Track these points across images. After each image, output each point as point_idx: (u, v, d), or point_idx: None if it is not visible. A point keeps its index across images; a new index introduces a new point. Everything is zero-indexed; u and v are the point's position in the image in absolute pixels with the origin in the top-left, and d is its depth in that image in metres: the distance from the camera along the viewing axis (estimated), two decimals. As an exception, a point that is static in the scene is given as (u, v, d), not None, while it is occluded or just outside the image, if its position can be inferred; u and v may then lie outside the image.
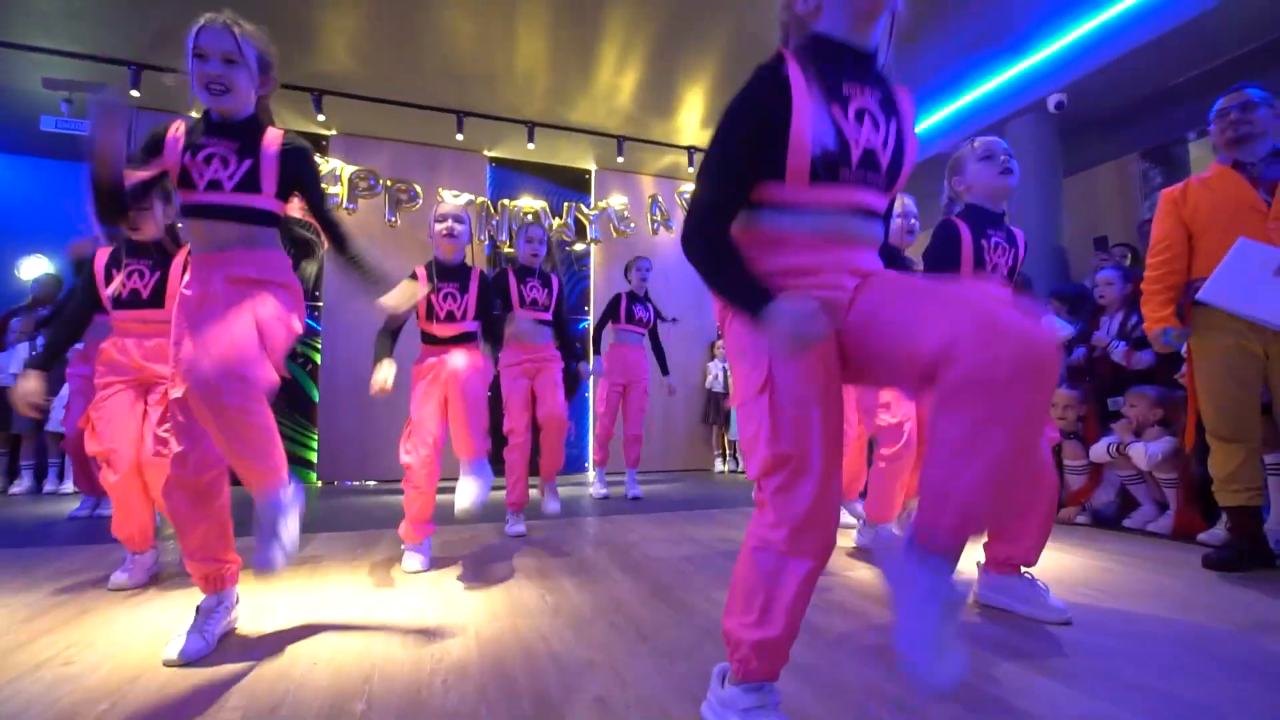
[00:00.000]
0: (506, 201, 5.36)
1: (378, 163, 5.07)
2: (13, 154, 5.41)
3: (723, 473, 5.78)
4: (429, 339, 2.29)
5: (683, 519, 3.17)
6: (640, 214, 5.82)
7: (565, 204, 5.54)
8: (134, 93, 4.16)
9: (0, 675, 1.27)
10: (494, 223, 5.26)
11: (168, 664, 1.31)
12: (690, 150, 5.41)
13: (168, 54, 4.00)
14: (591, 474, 5.48)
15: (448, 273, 2.28)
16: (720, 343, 5.88)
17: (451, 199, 5.12)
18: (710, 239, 0.93)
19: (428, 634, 1.51)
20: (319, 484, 4.86)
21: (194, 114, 1.53)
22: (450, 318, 2.25)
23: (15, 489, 4.47)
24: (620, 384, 4.01)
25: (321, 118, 4.61)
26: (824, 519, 0.90)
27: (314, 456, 4.92)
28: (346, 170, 4.88)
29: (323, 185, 1.57)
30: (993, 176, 1.74)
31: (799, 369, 0.90)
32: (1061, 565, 2.16)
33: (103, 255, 2.00)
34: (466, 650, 1.41)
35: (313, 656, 1.37)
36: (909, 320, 0.85)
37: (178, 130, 1.43)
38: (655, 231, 5.86)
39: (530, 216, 5.34)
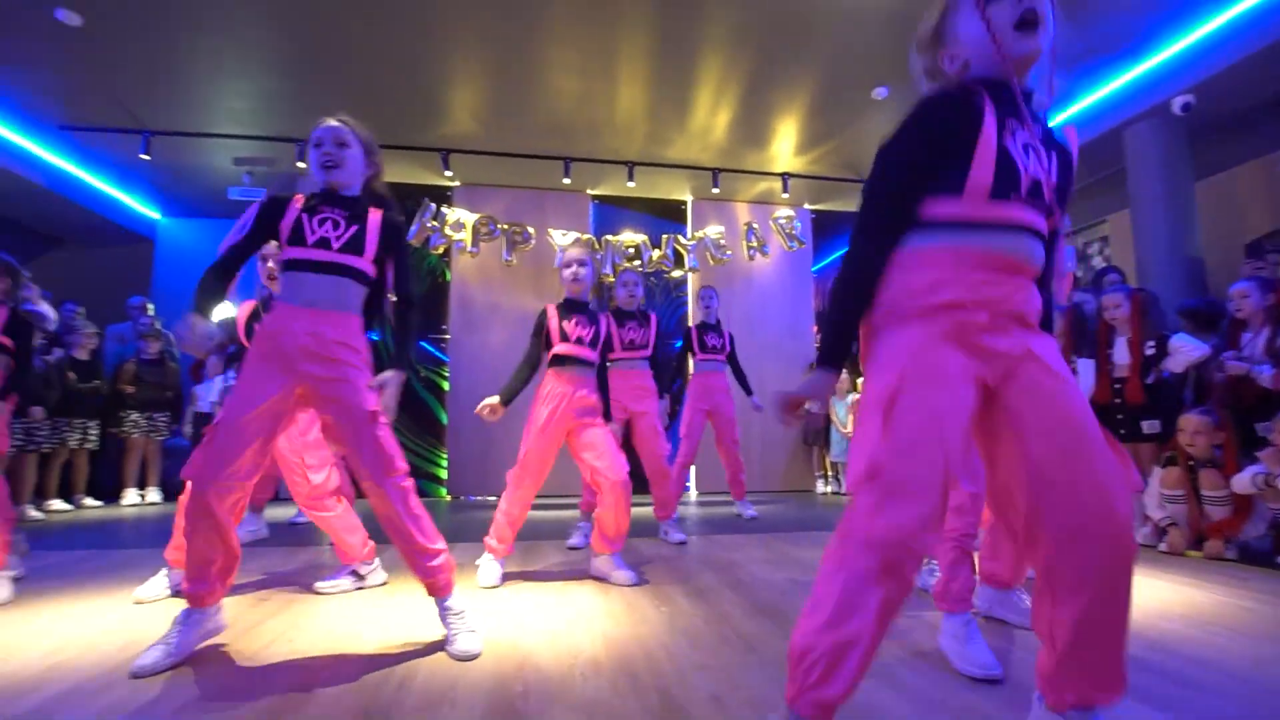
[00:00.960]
0: (610, 237, 5.73)
1: (494, 208, 5.61)
2: (207, 218, 6.51)
3: (825, 494, 5.75)
4: (560, 362, 2.51)
5: (784, 540, 3.26)
6: (736, 241, 5.99)
7: (663, 235, 5.82)
8: (300, 164, 4.93)
9: (244, 650, 1.65)
10: (598, 256, 5.63)
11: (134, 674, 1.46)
12: (784, 176, 5.52)
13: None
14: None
15: (575, 307, 2.57)
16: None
17: (561, 238, 5.56)
18: (862, 268, 1.01)
19: (563, 634, 1.76)
20: (448, 499, 5.39)
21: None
22: (580, 342, 2.50)
23: (210, 500, 5.32)
24: (704, 409, 4.02)
25: (449, 173, 5.21)
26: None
27: (444, 474, 5.46)
28: (470, 218, 5.45)
29: (412, 258, 1.82)
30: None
31: (928, 400, 0.94)
32: (1190, 601, 2.07)
33: (246, 308, 2.50)
34: (596, 650, 1.63)
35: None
36: (1041, 489, 0.93)
37: (298, 200, 1.68)
38: (751, 258, 5.99)
39: (632, 250, 5.66)
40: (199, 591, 1.58)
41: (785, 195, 5.68)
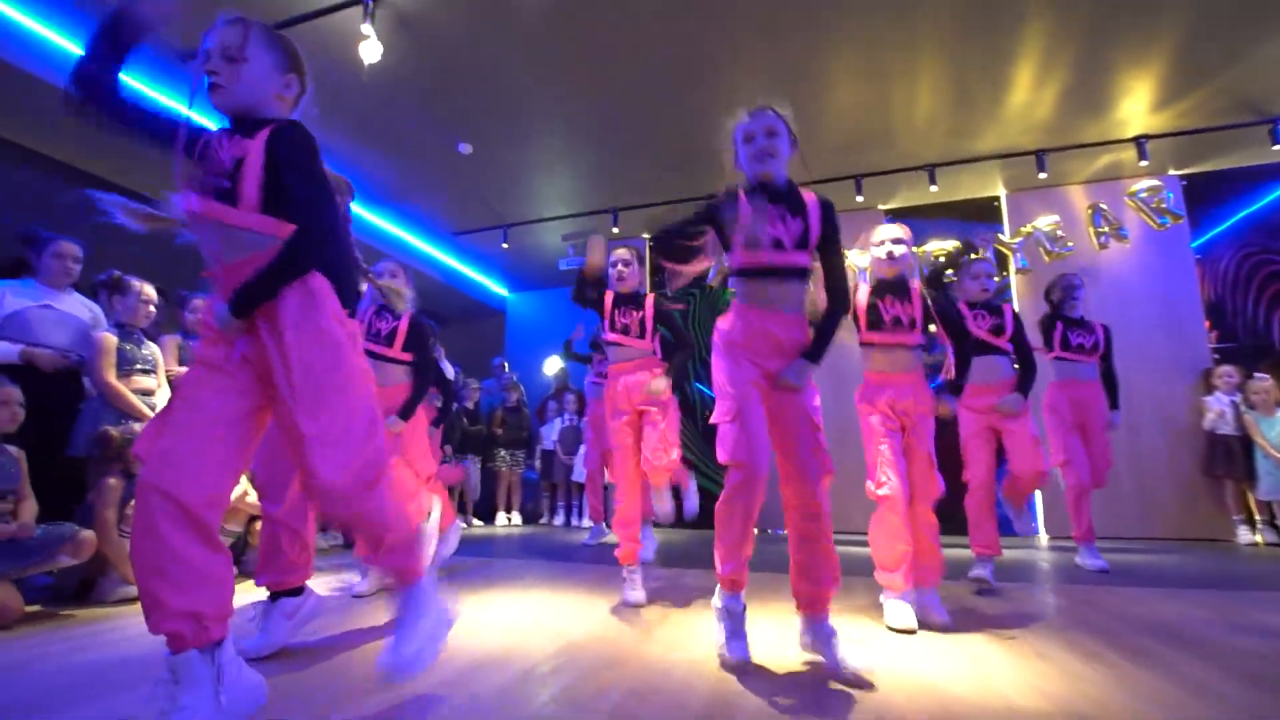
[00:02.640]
0: (915, 249, 5.28)
1: (782, 239, 5.64)
2: (541, 289, 7.88)
3: (1255, 545, 4.25)
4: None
5: (1222, 598, 2.44)
6: (1074, 230, 5.00)
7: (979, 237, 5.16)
8: (615, 229, 5.64)
9: (607, 637, 1.78)
10: (898, 272, 5.23)
11: None
12: (1139, 141, 4.46)
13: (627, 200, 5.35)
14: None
15: (889, 287, 2.28)
16: (1221, 370, 4.47)
17: (857, 257, 5.30)
18: None
19: (973, 672, 1.52)
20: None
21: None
22: (897, 324, 2.22)
23: (557, 521, 6.24)
24: (1075, 423, 3.31)
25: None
26: None
27: (751, 506, 5.51)
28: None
29: None
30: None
31: None
32: None
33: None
34: (1029, 701, 1.37)
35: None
36: None
37: (743, 197, 1.61)
38: (1104, 245, 4.92)
39: (943, 259, 5.13)
40: (736, 576, 1.68)
41: (1143, 164, 4.57)
